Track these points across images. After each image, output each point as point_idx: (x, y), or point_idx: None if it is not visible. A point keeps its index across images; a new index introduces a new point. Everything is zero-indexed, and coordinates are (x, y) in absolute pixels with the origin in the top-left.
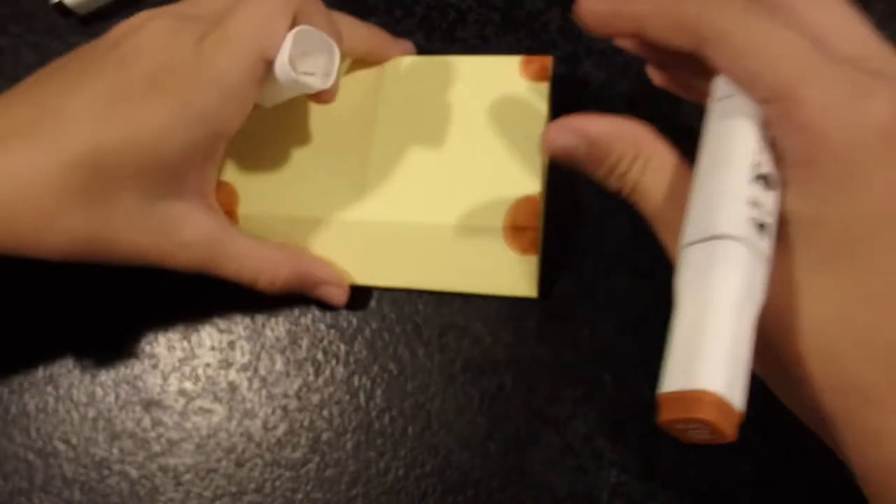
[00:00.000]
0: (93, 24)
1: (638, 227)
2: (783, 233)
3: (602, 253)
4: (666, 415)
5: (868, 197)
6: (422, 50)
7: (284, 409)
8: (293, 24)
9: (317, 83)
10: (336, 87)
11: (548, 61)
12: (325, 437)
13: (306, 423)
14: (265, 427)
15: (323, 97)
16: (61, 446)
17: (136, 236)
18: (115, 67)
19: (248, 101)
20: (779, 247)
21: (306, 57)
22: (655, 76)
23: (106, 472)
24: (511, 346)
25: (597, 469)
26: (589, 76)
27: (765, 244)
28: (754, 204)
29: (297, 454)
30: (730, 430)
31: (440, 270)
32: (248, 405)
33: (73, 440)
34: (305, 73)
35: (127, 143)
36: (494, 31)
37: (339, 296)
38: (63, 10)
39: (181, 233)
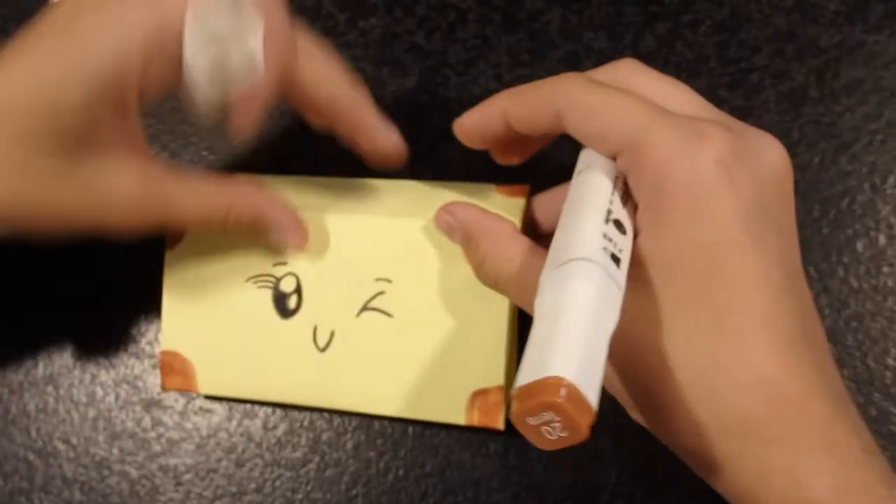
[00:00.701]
0: None
1: None
2: (645, 276)
3: None
4: (515, 407)
5: (715, 223)
6: (422, 50)
7: (284, 408)
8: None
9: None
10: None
11: (522, 190)
12: (325, 437)
13: (306, 423)
14: (265, 427)
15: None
16: (61, 446)
17: (61, 196)
18: (33, 27)
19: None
20: (643, 290)
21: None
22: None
23: (106, 472)
24: None
25: (597, 469)
26: None
27: (619, 273)
28: (608, 238)
29: (297, 454)
30: (581, 420)
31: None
32: (248, 405)
33: (73, 440)
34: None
35: (26, 97)
36: (494, 31)
37: (298, 241)
38: None
39: (110, 183)
